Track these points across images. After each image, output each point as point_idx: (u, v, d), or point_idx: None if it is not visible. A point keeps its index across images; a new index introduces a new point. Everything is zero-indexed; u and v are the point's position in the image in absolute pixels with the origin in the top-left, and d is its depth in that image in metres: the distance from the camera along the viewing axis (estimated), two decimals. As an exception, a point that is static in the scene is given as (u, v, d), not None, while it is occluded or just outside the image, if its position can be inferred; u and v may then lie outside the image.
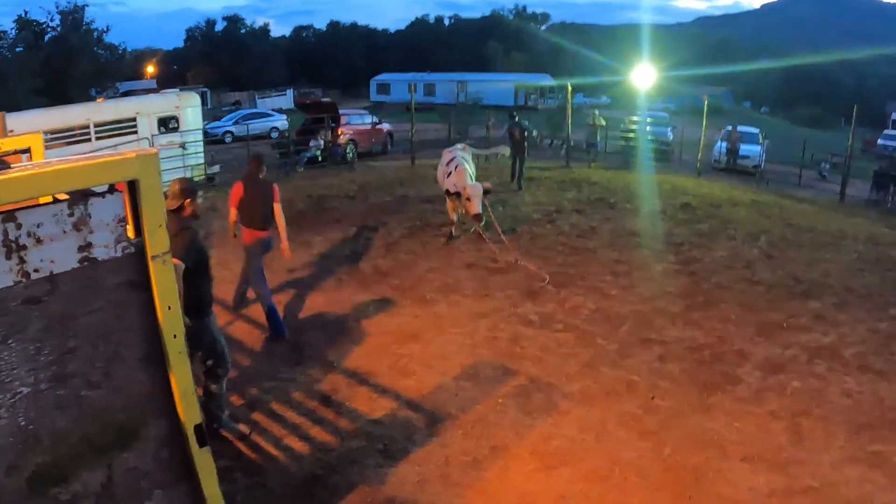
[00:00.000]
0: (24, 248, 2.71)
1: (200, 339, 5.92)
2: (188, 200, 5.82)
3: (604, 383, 7.42)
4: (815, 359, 8.19)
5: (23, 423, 2.80)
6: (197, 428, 3.36)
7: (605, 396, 7.14)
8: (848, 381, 7.64)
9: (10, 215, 2.68)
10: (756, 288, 10.58)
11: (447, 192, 12.48)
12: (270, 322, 8.68)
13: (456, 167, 12.58)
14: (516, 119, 19.82)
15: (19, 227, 2.70)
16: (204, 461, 3.45)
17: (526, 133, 19.63)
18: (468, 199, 11.87)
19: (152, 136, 19.17)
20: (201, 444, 3.40)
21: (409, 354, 8.08)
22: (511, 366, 7.78)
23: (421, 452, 6.09)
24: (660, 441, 6.31)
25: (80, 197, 2.90)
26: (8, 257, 2.69)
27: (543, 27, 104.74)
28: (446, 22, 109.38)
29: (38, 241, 2.76)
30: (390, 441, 6.23)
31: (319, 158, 23.65)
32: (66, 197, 2.97)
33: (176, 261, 5.27)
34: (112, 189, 3.03)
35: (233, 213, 8.82)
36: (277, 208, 8.69)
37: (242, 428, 6.38)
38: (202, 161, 20.43)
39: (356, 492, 5.52)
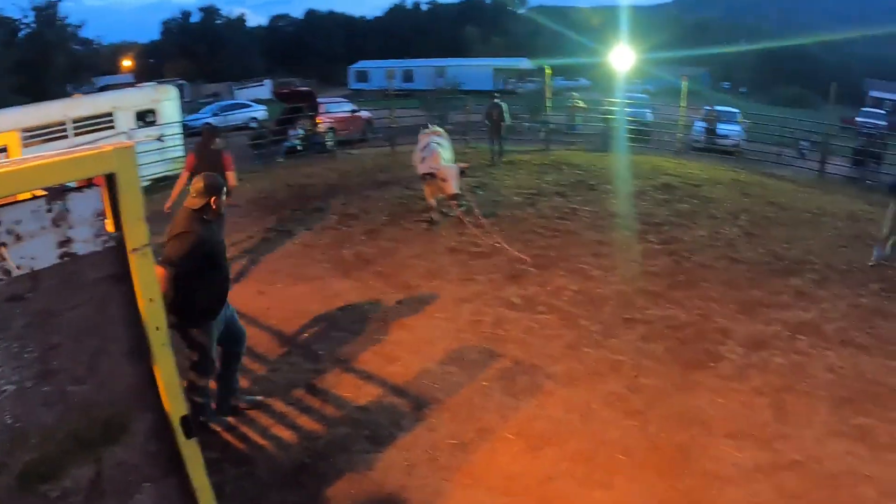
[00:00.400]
0: (4, 245, 2.71)
1: (196, 340, 5.87)
2: (213, 198, 5.62)
3: (588, 364, 7.48)
4: (797, 335, 8.29)
5: (9, 421, 2.78)
6: (183, 420, 3.36)
7: (590, 377, 7.20)
8: (830, 356, 7.75)
9: (-13, 213, 2.67)
10: (737, 266, 10.68)
11: (423, 176, 12.50)
12: None
13: (431, 151, 12.60)
14: (495, 101, 20.93)
15: (-2, 224, 2.69)
16: (191, 453, 3.46)
17: (503, 115, 20.64)
18: (443, 179, 11.89)
19: (130, 130, 19.04)
20: (188, 435, 3.40)
21: (393, 341, 8.11)
22: (495, 349, 7.83)
23: (408, 437, 6.12)
24: (644, 420, 6.37)
25: (59, 192, 2.89)
26: (-13, 255, 2.69)
27: (521, 10, 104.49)
28: (424, 8, 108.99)
29: (18, 237, 2.74)
30: (377, 427, 6.26)
31: (299, 148, 23.59)
32: (44, 193, 2.95)
33: (159, 269, 5.24)
34: (90, 183, 3.03)
35: (183, 178, 9.78)
36: (230, 175, 9.49)
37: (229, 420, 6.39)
38: (182, 154, 20.33)
39: (344, 478, 5.54)
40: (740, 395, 6.85)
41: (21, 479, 2.83)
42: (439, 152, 12.56)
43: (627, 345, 7.97)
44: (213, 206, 5.65)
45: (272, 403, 6.73)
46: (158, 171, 18.21)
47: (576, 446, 5.96)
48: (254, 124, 33.37)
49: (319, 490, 5.43)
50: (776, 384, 7.05)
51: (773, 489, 5.37)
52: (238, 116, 36.51)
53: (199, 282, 5.60)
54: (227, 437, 6.21)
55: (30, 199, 2.85)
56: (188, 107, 40.09)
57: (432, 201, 12.84)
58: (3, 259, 2.69)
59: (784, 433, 6.17)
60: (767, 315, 8.86)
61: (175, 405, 3.33)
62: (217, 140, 10.05)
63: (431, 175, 12.09)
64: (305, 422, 6.43)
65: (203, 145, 10.04)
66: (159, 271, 5.34)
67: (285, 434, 6.25)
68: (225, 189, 5.79)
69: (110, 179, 2.97)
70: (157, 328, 3.21)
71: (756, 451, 5.87)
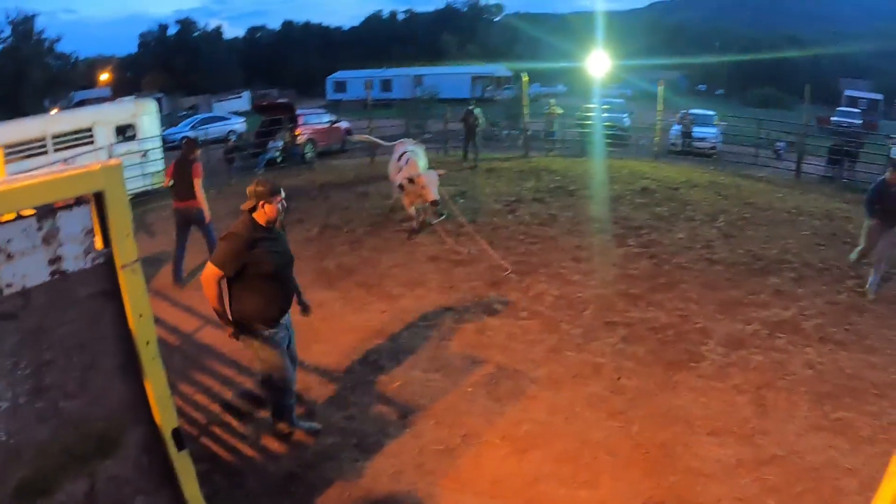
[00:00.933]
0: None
1: (259, 355, 5.83)
2: (261, 202, 5.49)
3: (570, 367, 7.56)
4: (777, 333, 8.41)
5: (3, 437, 2.81)
6: (174, 432, 3.41)
7: (572, 380, 7.28)
8: (809, 352, 7.87)
9: (-21, 232, 2.71)
10: (716, 267, 10.80)
11: (401, 186, 12.55)
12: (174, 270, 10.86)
13: (407, 160, 12.68)
14: (470, 108, 22.26)
15: (-11, 244, 2.73)
16: (183, 465, 3.50)
17: (477, 120, 21.93)
18: (423, 186, 11.94)
19: (110, 145, 18.99)
20: (180, 447, 3.45)
21: (377, 349, 8.16)
22: (478, 355, 7.90)
23: (394, 445, 6.18)
24: (628, 420, 6.46)
25: (48, 211, 2.93)
26: (-21, 275, 2.72)
27: (497, 18, 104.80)
28: (400, 17, 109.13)
29: (9, 256, 2.77)
30: (364, 435, 6.31)
31: (278, 160, 23.59)
32: (32, 211, 2.99)
33: (209, 267, 5.39)
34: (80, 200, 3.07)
35: (166, 182, 11.11)
36: (196, 183, 10.50)
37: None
38: (162, 168, 20.27)
39: (334, 487, 5.59)
40: (721, 393, 6.95)
41: (16, 494, 2.85)
42: (415, 160, 12.65)
43: (609, 347, 8.07)
44: (262, 210, 5.55)
45: (259, 415, 6.76)
46: (139, 185, 18.15)
47: (561, 448, 6.04)
48: (233, 137, 33.26)
49: (309, 499, 5.47)
50: (756, 381, 7.17)
51: (756, 483, 5.47)
52: (217, 129, 36.39)
53: (247, 286, 5.55)
54: (217, 448, 6.25)
55: (20, 218, 2.89)
56: (166, 120, 39.92)
57: (412, 210, 12.89)
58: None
59: (765, 429, 6.28)
60: (747, 314, 8.98)
61: (166, 418, 3.38)
62: (197, 151, 10.81)
63: (411, 182, 12.14)
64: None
65: (181, 156, 10.79)
66: (209, 269, 5.40)
67: (274, 445, 6.27)
68: (281, 194, 5.66)
69: (99, 197, 3.03)
70: (148, 343, 3.26)
71: (738, 447, 5.98)
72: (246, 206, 5.56)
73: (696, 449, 5.98)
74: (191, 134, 33.64)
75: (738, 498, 5.32)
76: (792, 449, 5.97)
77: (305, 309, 6.35)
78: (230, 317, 5.64)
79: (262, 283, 5.58)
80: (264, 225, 5.59)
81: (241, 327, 5.67)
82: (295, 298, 6.18)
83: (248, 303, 5.59)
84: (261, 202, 5.51)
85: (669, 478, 5.58)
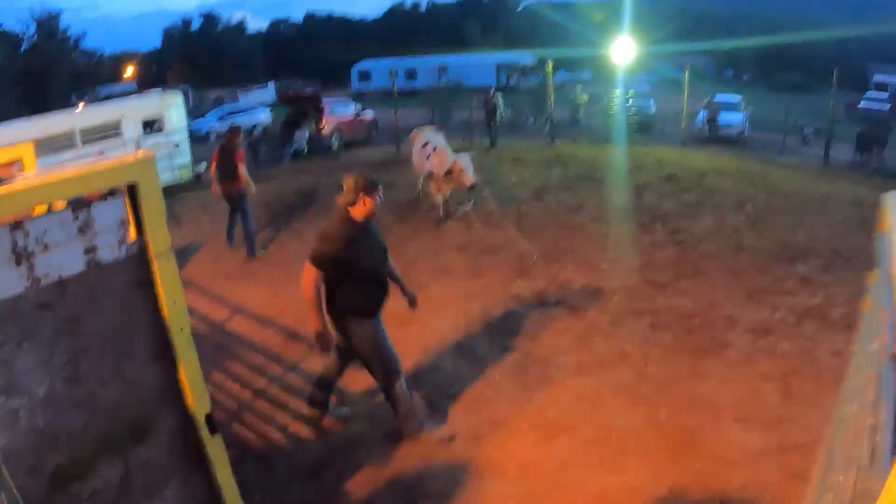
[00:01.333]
0: (33, 254, 2.82)
1: (352, 343, 5.86)
2: (361, 196, 5.45)
3: (597, 354, 7.57)
4: (804, 320, 8.35)
5: (41, 424, 2.88)
6: (208, 417, 3.48)
7: (599, 367, 7.29)
8: (836, 340, 7.77)
9: (17, 224, 2.78)
10: (743, 254, 10.75)
11: (430, 174, 12.59)
12: (248, 244, 11.75)
13: (434, 148, 12.71)
14: (491, 94, 23.60)
15: (27, 234, 2.79)
16: (216, 450, 3.57)
17: (497, 105, 23.40)
18: (461, 171, 11.97)
19: (138, 138, 19.14)
20: (212, 432, 3.52)
21: (404, 338, 8.13)
22: (505, 342, 7.94)
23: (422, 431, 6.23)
24: (654, 407, 6.46)
25: (83, 202, 3.00)
26: (18, 265, 2.78)
27: (520, 8, 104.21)
28: (423, 6, 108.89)
29: (46, 247, 2.84)
30: (392, 422, 6.33)
31: (305, 151, 23.66)
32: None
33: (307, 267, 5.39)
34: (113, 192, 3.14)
35: (212, 169, 11.93)
36: (240, 167, 11.45)
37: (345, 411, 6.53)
38: (189, 159, 20.45)
39: (362, 472, 5.65)
40: (748, 380, 6.94)
41: (52, 480, 2.93)
42: (443, 147, 12.69)
43: (636, 335, 8.06)
44: (361, 204, 5.51)
45: (289, 402, 6.85)
46: (167, 178, 18.29)
47: (588, 434, 6.07)
48: (258, 129, 33.39)
49: (338, 484, 5.54)
50: (783, 369, 7.13)
51: (781, 470, 5.45)
52: (243, 120, 36.56)
53: (346, 283, 5.55)
54: (248, 435, 6.34)
55: (56, 210, 2.96)
56: (192, 112, 40.10)
57: (439, 198, 12.91)
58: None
59: (791, 416, 6.25)
60: (774, 302, 8.93)
61: (200, 403, 3.45)
62: (238, 139, 11.76)
63: (449, 173, 12.18)
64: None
65: (225, 143, 11.80)
66: (308, 270, 5.39)
67: (303, 431, 6.36)
68: (379, 188, 5.63)
69: (132, 188, 3.09)
70: (181, 329, 3.32)
71: (764, 434, 5.96)
72: (343, 200, 5.52)
73: (723, 435, 5.97)
74: (216, 125, 34.09)
75: (763, 484, 5.32)
76: (818, 437, 5.91)
77: (412, 302, 6.43)
78: (324, 318, 5.61)
79: (361, 279, 5.60)
80: (361, 220, 5.57)
81: (335, 320, 5.72)
82: (398, 291, 6.28)
83: (347, 299, 5.61)
84: (361, 196, 5.47)
85: (695, 464, 5.59)
